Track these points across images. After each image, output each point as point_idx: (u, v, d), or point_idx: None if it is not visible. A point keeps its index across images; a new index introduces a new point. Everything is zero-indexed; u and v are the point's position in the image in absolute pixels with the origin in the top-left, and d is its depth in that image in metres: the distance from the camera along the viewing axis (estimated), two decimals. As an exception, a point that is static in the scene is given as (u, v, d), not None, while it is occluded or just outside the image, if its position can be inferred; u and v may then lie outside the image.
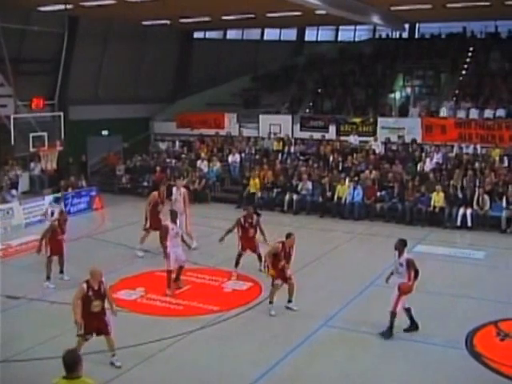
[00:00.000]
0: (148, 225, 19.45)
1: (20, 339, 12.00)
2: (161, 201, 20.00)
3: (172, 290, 15.59)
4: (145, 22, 33.42)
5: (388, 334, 12.87)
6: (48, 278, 16.37)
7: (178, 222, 16.10)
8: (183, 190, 21.03)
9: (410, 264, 12.80)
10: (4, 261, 19.18)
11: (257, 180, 26.81)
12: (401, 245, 13.03)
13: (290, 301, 14.68)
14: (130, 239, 20.24)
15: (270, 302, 14.45)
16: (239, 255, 17.05)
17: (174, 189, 20.98)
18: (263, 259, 15.51)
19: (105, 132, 34.78)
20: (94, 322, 11.15)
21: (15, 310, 10.03)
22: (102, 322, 11.27)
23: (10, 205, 24.14)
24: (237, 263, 16.98)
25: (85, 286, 11.21)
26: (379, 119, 30.31)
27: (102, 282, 11.39)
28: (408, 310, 13.03)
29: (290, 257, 14.54)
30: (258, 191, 26.63)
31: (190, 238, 19.26)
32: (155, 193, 20.21)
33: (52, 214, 20.70)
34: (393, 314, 12.86)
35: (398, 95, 33.76)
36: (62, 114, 27.22)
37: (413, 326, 13.13)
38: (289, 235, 14.60)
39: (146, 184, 29.79)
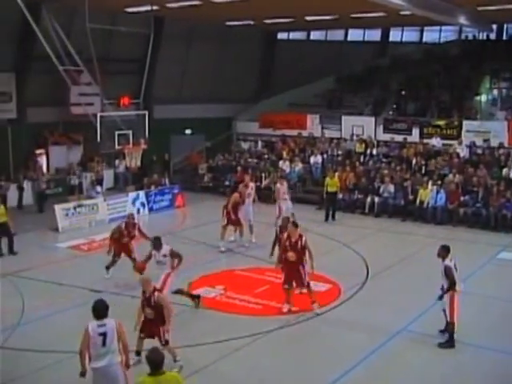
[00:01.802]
0: (226, 222, 20.10)
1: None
2: (242, 201, 20.77)
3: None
4: (229, 23, 33.70)
5: (450, 344, 12.56)
6: (107, 268, 17.06)
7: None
8: (252, 184, 22.42)
9: (448, 271, 12.50)
10: (88, 255, 19.76)
11: (335, 179, 25.59)
12: (443, 251, 12.76)
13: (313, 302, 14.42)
14: (210, 237, 20.50)
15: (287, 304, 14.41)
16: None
17: (242, 186, 21.93)
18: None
19: (188, 131, 35.30)
20: (146, 326, 11.40)
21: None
22: (155, 329, 11.31)
23: (94, 200, 24.84)
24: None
25: (141, 291, 11.52)
26: (464, 122, 29.65)
27: (155, 293, 11.28)
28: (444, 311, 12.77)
29: (296, 246, 14.15)
30: (338, 191, 25.49)
31: (251, 232, 20.80)
32: (236, 194, 20.82)
33: None
34: (450, 324, 12.61)
35: (484, 98, 33.00)
36: (146, 112, 27.76)
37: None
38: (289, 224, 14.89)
39: (227, 183, 30.01)
